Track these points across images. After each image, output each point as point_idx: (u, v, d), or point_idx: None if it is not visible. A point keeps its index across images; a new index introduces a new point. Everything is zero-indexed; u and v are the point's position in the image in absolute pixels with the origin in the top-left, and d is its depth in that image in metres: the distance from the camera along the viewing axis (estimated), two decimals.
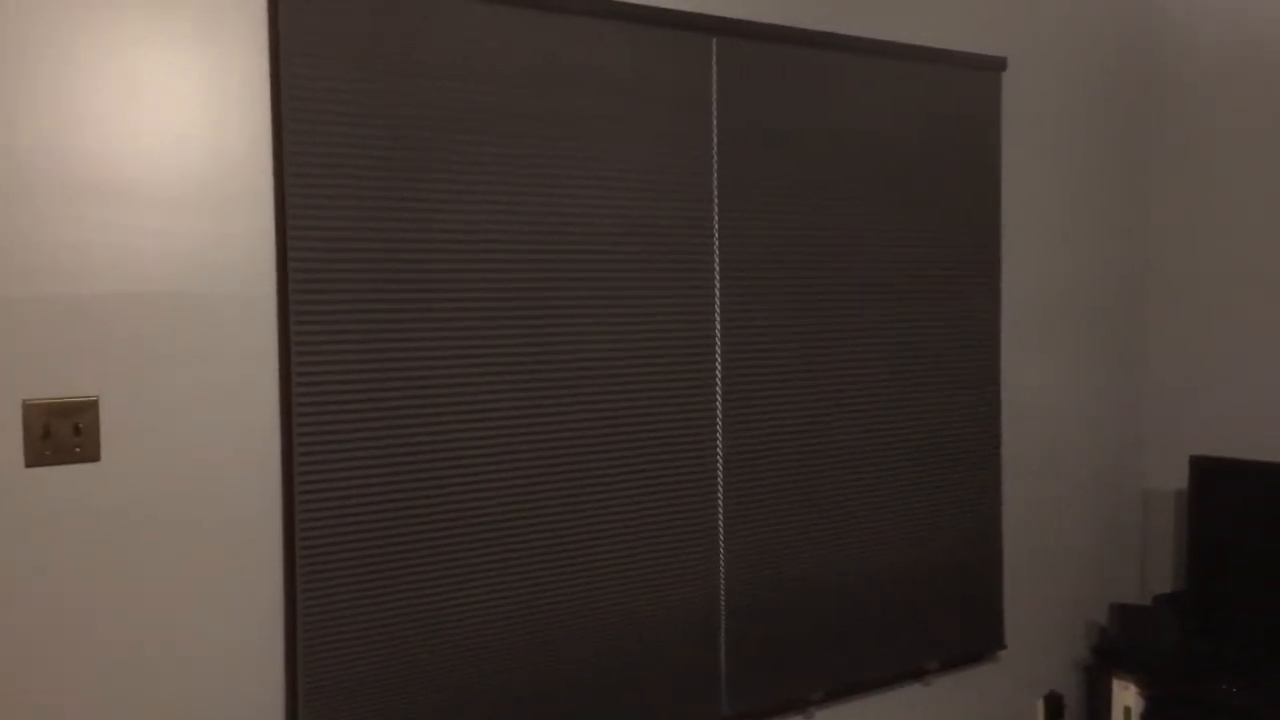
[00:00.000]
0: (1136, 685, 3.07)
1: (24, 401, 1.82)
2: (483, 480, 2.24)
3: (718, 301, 2.56)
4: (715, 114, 2.53)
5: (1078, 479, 3.37)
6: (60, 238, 1.85)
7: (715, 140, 2.54)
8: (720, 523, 2.57)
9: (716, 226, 2.55)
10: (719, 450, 2.57)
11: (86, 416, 1.86)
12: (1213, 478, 3.07)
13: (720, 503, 2.57)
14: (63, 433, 1.84)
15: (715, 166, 2.54)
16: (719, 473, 2.57)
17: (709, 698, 2.56)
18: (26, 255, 1.82)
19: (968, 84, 2.99)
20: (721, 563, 2.57)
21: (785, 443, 2.68)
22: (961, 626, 3.02)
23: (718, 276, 2.55)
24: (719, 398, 2.57)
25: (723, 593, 2.58)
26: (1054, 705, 3.20)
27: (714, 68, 2.53)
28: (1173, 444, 3.45)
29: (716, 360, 2.56)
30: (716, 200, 2.55)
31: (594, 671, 2.39)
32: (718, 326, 2.56)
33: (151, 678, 1.94)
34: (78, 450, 1.86)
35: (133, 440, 1.91)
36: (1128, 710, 3.09)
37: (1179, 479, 3.43)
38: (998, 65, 3.05)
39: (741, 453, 2.61)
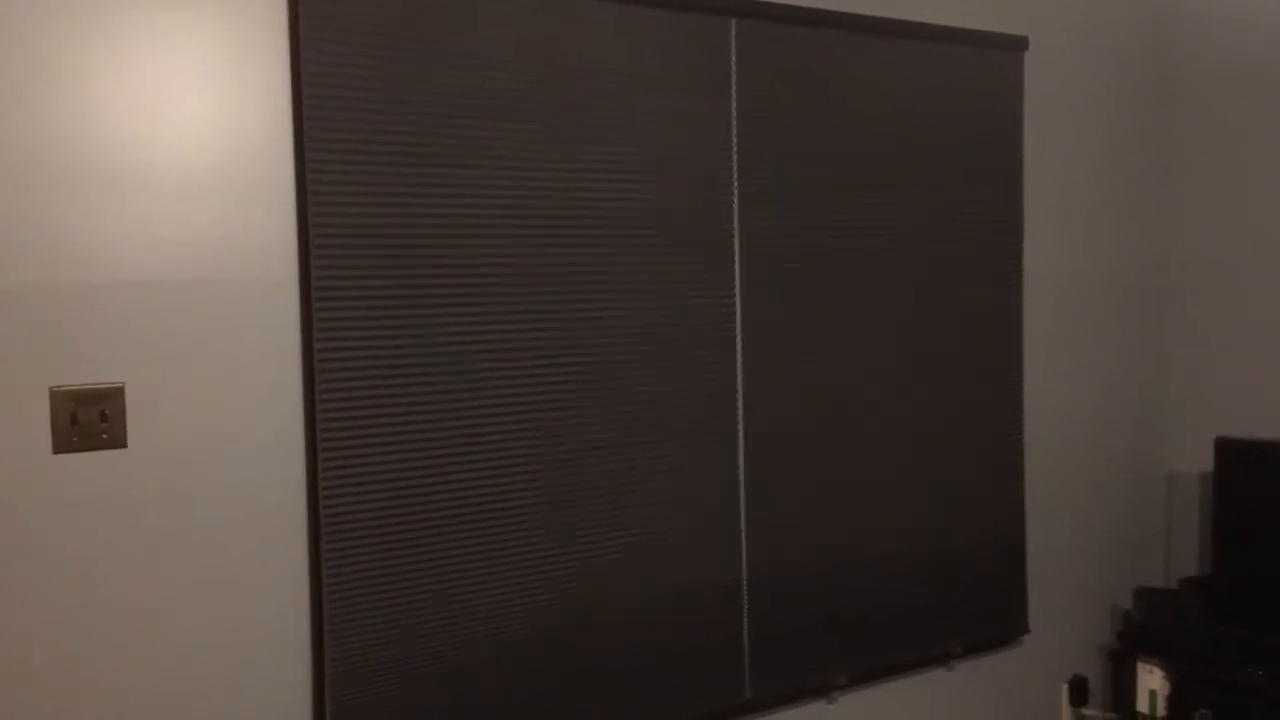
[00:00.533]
0: (1162, 669, 3.06)
1: (51, 389, 1.83)
2: (506, 461, 2.24)
3: (738, 284, 2.55)
4: (734, 96, 2.52)
5: (1101, 462, 3.35)
6: (83, 226, 1.85)
7: (735, 123, 2.52)
8: (742, 508, 2.57)
9: (737, 209, 2.54)
10: (740, 434, 2.56)
11: (113, 403, 1.87)
12: (1238, 459, 3.04)
13: (742, 488, 2.57)
14: (89, 419, 1.85)
15: (735, 149, 2.53)
16: (740, 457, 2.56)
17: (733, 682, 2.56)
18: (51, 244, 1.83)
19: (989, 64, 2.96)
20: (744, 548, 2.57)
21: (807, 427, 2.67)
22: (985, 611, 3.01)
23: (738, 259, 2.54)
24: (740, 380, 2.56)
25: (745, 578, 2.57)
26: (1079, 689, 3.18)
27: (733, 50, 2.51)
28: (1197, 426, 3.42)
29: (737, 343, 2.55)
30: (736, 183, 2.53)
31: (618, 657, 2.39)
32: (739, 309, 2.55)
33: (178, 661, 1.95)
34: (104, 436, 1.87)
35: (159, 426, 1.92)
36: (1153, 694, 3.08)
37: (1204, 461, 3.40)
38: (1019, 45, 3.02)
39: (763, 437, 2.60)
